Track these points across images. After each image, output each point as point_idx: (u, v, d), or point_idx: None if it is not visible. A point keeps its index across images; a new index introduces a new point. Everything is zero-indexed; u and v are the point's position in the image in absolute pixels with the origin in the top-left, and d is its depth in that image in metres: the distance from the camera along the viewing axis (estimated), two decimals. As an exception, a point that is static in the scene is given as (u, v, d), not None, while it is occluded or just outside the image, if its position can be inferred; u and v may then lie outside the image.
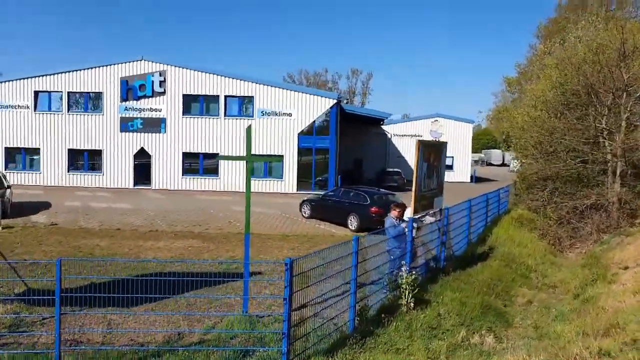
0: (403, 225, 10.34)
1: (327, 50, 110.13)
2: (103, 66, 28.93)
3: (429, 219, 12.43)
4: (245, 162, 8.15)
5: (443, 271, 11.85)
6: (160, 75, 28.57)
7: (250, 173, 8.20)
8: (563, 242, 18.40)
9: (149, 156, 29.14)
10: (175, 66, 28.72)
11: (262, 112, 28.45)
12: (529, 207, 20.81)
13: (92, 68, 28.99)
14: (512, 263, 13.95)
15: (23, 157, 29.82)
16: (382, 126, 47.78)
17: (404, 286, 9.01)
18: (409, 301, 9.04)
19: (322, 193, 20.76)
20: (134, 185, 29.15)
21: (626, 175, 18.47)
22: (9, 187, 20.16)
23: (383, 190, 20.18)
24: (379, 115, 38.76)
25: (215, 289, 9.76)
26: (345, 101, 75.64)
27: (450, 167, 46.88)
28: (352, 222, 17.78)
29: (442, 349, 7.99)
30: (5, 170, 29.59)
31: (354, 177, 42.54)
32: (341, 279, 8.46)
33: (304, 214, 20.58)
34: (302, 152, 29.17)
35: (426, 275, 11.37)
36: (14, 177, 29.62)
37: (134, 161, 29.21)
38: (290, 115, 28.36)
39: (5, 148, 29.50)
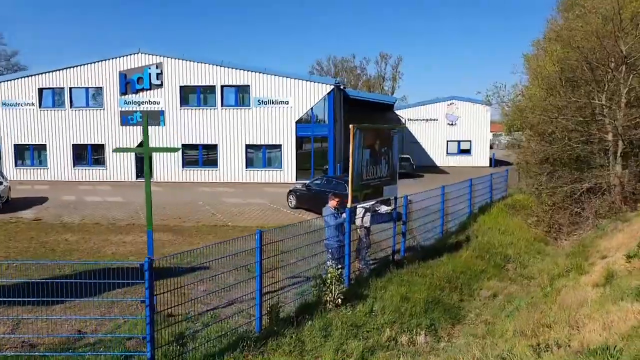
0: (344, 215, 9.75)
1: (356, 36, 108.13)
2: (102, 61, 29.11)
3: (384, 209, 11.77)
4: (150, 153, 7.73)
5: (398, 264, 11.18)
6: (157, 67, 28.53)
7: (148, 165, 7.79)
8: (562, 229, 17.31)
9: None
10: (171, 58, 28.61)
11: (258, 101, 28.03)
12: (524, 192, 19.70)
13: (91, 63, 29.23)
14: (487, 253, 13.12)
15: (31, 153, 30.50)
16: (396, 111, 46.64)
17: (328, 281, 8.44)
18: (335, 297, 8.47)
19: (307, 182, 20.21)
20: (136, 178, 29.39)
21: (628, 157, 17.13)
22: (1, 183, 20.50)
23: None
24: (385, 100, 37.75)
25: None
26: (369, 88, 74.59)
27: (467, 152, 45.45)
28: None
29: (357, 350, 7.43)
30: (15, 166, 30.43)
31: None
32: (248, 275, 8.00)
33: (290, 204, 20.14)
34: (302, 140, 28.68)
35: (373, 269, 10.76)
36: (23, 173, 30.41)
37: (136, 154, 29.39)
38: (287, 103, 27.83)
39: (15, 145, 30.23)
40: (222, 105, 28.44)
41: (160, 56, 28.66)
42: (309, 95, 27.78)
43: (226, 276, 7.89)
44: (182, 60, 28.55)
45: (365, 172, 9.96)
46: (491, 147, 49.93)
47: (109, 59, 29.04)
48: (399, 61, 78.37)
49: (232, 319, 7.86)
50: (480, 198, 18.56)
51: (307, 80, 27.73)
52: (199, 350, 6.75)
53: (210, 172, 28.87)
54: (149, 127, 28.52)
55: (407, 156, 36.63)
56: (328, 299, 8.43)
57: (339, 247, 9.61)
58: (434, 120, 45.92)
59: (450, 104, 45.56)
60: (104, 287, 8.90)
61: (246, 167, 28.07)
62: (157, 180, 29.20)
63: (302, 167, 28.38)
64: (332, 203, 9.87)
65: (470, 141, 45.36)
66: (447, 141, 45.94)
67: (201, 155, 29.10)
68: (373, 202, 11.00)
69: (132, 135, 29.29)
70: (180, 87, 28.63)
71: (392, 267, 10.76)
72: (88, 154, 29.92)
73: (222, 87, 28.34)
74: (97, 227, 16.71)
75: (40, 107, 29.84)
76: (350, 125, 9.49)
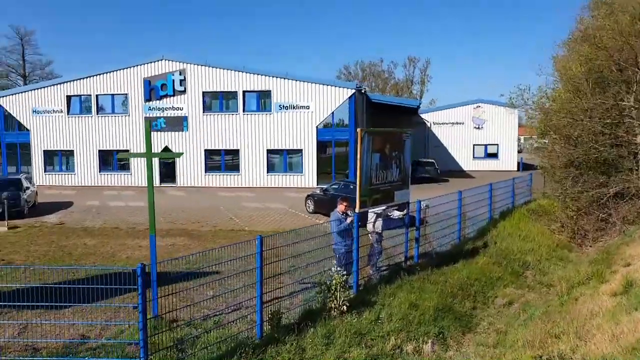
0: (349, 220, 9.59)
1: (383, 40, 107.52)
2: (127, 68, 29.72)
3: (397, 214, 11.55)
4: (151, 159, 7.75)
5: (410, 270, 10.93)
6: (180, 73, 28.95)
7: (150, 170, 7.82)
8: (588, 235, 16.68)
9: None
10: (193, 64, 28.98)
11: (279, 106, 28.10)
12: (549, 197, 19.06)
13: (117, 70, 29.87)
14: (505, 260, 12.71)
15: (59, 159, 31.34)
16: (421, 114, 46.11)
17: (333, 287, 8.28)
18: (340, 304, 8.30)
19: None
20: (160, 184, 29.80)
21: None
22: (27, 188, 21.08)
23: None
24: (408, 104, 37.34)
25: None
26: (397, 92, 74.05)
27: (495, 155, 44.50)
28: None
29: (359, 359, 7.25)
30: (44, 172, 31.32)
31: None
32: (248, 280, 7.90)
33: (308, 209, 20.04)
34: (325, 145, 28.59)
35: (383, 276, 10.53)
36: (52, 179, 31.26)
37: (159, 160, 29.83)
38: (308, 108, 27.81)
39: (44, 151, 31.12)
40: (243, 111, 28.63)
41: (183, 62, 29.08)
42: (330, 100, 27.70)
43: (231, 281, 7.84)
44: (205, 66, 28.89)
45: (374, 176, 9.79)
46: (520, 151, 48.88)
47: (133, 66, 29.63)
48: (427, 64, 77.73)
49: (235, 324, 7.79)
50: (502, 203, 18.07)
51: (328, 85, 27.66)
52: (197, 356, 6.70)
53: (233, 177, 29.06)
54: (173, 133, 29.17)
55: (432, 160, 36.15)
56: (333, 305, 8.27)
57: (346, 252, 9.44)
58: (460, 123, 45.20)
59: (477, 107, 44.75)
60: (112, 292, 8.95)
61: (267, 172, 28.14)
62: (181, 185, 29.58)
63: (323, 172, 28.28)
64: (340, 208, 9.73)
65: (497, 145, 44.41)
66: (474, 145, 45.13)
67: (223, 160, 29.33)
68: (385, 207, 10.80)
69: (157, 141, 29.71)
70: (203, 92, 28.96)
71: (402, 273, 10.52)
72: (114, 160, 30.56)
73: (243, 92, 28.54)
74: (116, 231, 16.96)
75: (68, 114, 30.65)
76: (358, 129, 9.34)
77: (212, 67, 28.77)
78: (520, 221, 16.34)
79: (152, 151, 8.49)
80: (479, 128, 44.46)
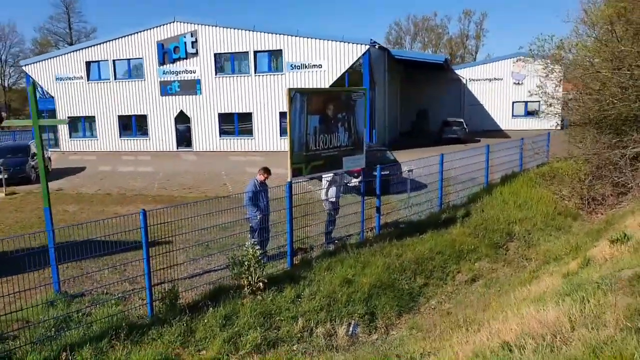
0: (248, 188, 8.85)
1: None
2: (140, 31, 29.44)
3: (354, 181, 10.64)
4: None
5: (365, 242, 10.08)
6: (191, 35, 28.37)
7: (40, 137, 7.32)
8: (604, 201, 15.05)
9: (188, 119, 29.52)
10: (205, 25, 28.26)
11: (291, 66, 27.04)
12: (566, 159, 17.26)
13: (131, 35, 29.68)
14: (485, 230, 11.62)
15: (83, 125, 32.01)
16: (457, 70, 43.50)
17: (246, 263, 7.63)
18: (255, 281, 7.65)
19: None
20: (177, 148, 29.88)
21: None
22: (34, 155, 21.50)
23: (376, 146, 18.00)
24: (432, 59, 35.11)
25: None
26: (459, 49, 70.51)
27: (535, 113, 41.41)
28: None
29: (252, 342, 6.64)
30: (69, 138, 32.17)
31: (415, 130, 39.61)
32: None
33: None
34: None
35: (329, 248, 9.74)
36: (77, 144, 32.09)
37: (175, 124, 29.81)
38: (320, 67, 26.59)
39: (68, 117, 31.82)
40: (255, 72, 27.82)
41: (194, 24, 28.43)
42: (343, 58, 26.32)
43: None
44: (215, 27, 28.12)
45: (312, 141, 8.87)
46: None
47: (147, 30, 29.31)
48: (483, 17, 73.35)
49: (131, 302, 7.36)
50: (509, 165, 16.59)
51: (340, 42, 26.18)
52: (73, 335, 6.28)
53: (246, 141, 28.63)
54: (187, 97, 28.92)
55: (460, 120, 34.13)
56: (245, 283, 7.63)
57: (261, 226, 8.73)
58: (499, 79, 42.30)
59: (517, 60, 41.48)
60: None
61: (280, 136, 27.41)
62: (197, 149, 29.52)
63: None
64: (260, 177, 8.99)
65: (539, 102, 41.22)
66: (513, 102, 42.23)
67: (237, 123, 28.87)
68: (339, 174, 9.94)
69: (172, 105, 29.67)
70: (215, 54, 28.32)
71: (352, 245, 9.70)
72: (132, 125, 30.83)
73: (255, 52, 27.64)
74: (107, 197, 16.97)
75: (88, 80, 31.00)
76: (287, 88, 8.41)
77: (223, 27, 27.94)
78: (522, 186, 14.90)
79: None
80: (518, 84, 41.42)
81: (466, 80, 43.02)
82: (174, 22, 28.74)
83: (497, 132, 38.89)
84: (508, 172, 16.25)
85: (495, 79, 42.42)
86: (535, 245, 11.53)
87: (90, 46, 31.22)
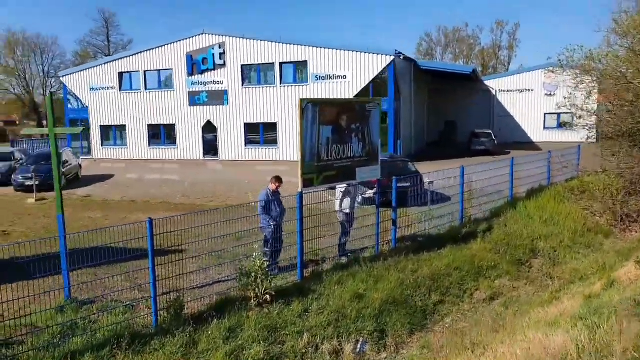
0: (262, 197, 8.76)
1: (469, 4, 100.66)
2: (170, 43, 30.08)
3: (369, 192, 10.46)
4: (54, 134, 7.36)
5: (379, 256, 9.86)
6: (220, 47, 28.80)
7: (55, 146, 7.42)
8: (635, 219, 14.39)
9: (215, 128, 29.89)
10: (233, 37, 28.65)
11: (316, 77, 27.08)
12: (598, 174, 16.59)
13: (161, 46, 30.35)
14: (507, 246, 11.20)
15: (114, 133, 32.82)
16: (486, 81, 42.74)
17: (253, 274, 7.53)
18: (262, 293, 7.54)
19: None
20: (204, 157, 30.25)
21: None
22: (66, 162, 22.11)
23: (399, 157, 17.72)
24: (459, 70, 34.58)
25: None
26: (489, 60, 69.72)
27: (567, 125, 40.20)
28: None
29: (255, 357, 6.51)
30: (101, 146, 33.01)
31: (443, 141, 39.02)
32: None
33: (327, 184, 19.17)
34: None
35: (340, 261, 9.56)
36: (108, 152, 32.89)
37: (202, 133, 30.22)
38: (344, 77, 26.54)
39: (100, 126, 32.70)
40: (280, 83, 27.99)
41: (222, 36, 28.87)
42: (367, 69, 26.21)
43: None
44: (243, 38, 28.47)
45: (324, 152, 8.77)
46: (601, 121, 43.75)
47: (176, 41, 29.93)
48: (516, 28, 72.13)
49: (138, 311, 7.34)
50: (536, 179, 16.09)
51: (365, 53, 26.09)
52: (77, 342, 6.30)
53: (271, 151, 28.74)
54: (214, 107, 29.30)
55: (488, 132, 33.40)
56: (252, 295, 7.53)
57: (274, 236, 8.63)
58: (529, 90, 41.33)
59: (549, 71, 40.46)
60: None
61: (305, 145, 27.39)
62: (223, 158, 29.81)
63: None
64: (271, 186, 8.90)
65: (572, 113, 40.05)
66: (545, 114, 41.15)
67: (262, 133, 29.04)
68: (354, 185, 9.79)
69: (200, 115, 30.12)
70: (242, 66, 28.65)
71: (366, 259, 9.49)
72: (161, 134, 31.41)
73: (280, 64, 27.83)
74: (131, 205, 17.26)
75: (120, 90, 31.82)
76: (299, 99, 8.34)
77: (250, 39, 28.28)
78: (549, 201, 14.38)
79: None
80: (550, 95, 40.35)
81: (496, 91, 42.21)
82: (202, 34, 29.27)
83: (528, 145, 37.95)
84: (535, 185, 15.74)
85: (526, 89, 41.48)
86: (561, 263, 11.06)
87: (123, 57, 32.10)
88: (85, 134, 33.31)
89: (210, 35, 29.11)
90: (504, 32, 72.90)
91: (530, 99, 41.16)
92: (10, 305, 6.82)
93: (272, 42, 27.85)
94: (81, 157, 26.98)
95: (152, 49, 30.76)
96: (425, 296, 8.76)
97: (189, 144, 30.53)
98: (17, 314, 6.79)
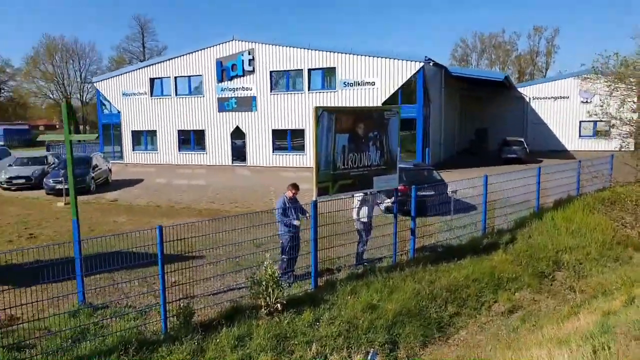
0: (296, 223, 8.71)
1: (506, 10, 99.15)
2: (201, 50, 30.63)
3: (387, 201, 10.32)
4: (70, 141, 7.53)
5: (395, 266, 9.70)
6: (249, 53, 29.13)
7: (71, 152, 7.57)
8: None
9: (243, 134, 30.20)
10: (262, 43, 28.94)
11: (344, 84, 27.05)
12: (632, 184, 15.95)
13: (192, 53, 30.93)
14: (530, 258, 10.84)
15: (145, 138, 33.56)
16: (520, 88, 41.83)
17: (264, 283, 7.51)
18: (273, 302, 7.51)
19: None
20: (232, 163, 30.59)
21: None
22: (96, 167, 22.69)
23: (424, 165, 17.41)
24: (492, 77, 33.88)
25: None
26: (525, 67, 68.31)
27: (602, 133, 38.87)
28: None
29: (260, 367, 6.47)
30: (133, 150, 33.80)
31: (473, 148, 38.32)
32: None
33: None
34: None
35: (355, 271, 9.43)
36: (139, 157, 33.64)
37: (231, 139, 30.58)
38: (373, 84, 26.40)
39: (132, 131, 33.51)
40: (309, 90, 28.08)
41: (252, 42, 29.21)
42: (396, 75, 26.01)
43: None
44: (272, 45, 28.73)
45: (340, 160, 8.68)
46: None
47: (206, 48, 30.44)
48: (555, 33, 70.70)
49: (150, 317, 7.41)
50: (566, 188, 15.57)
51: (394, 59, 25.91)
52: (86, 346, 6.40)
53: (298, 157, 28.82)
54: (243, 113, 29.63)
55: (520, 139, 32.60)
56: (262, 303, 7.50)
57: (291, 243, 8.59)
58: (565, 98, 40.21)
59: (585, 78, 39.24)
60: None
61: (331, 152, 27.37)
62: (250, 164, 30.08)
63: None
64: (288, 193, 8.86)
65: (609, 121, 38.69)
66: (580, 122, 39.92)
67: (290, 140, 29.17)
68: (372, 193, 9.68)
69: (229, 121, 30.50)
70: (270, 72, 28.89)
71: (382, 269, 9.35)
72: (191, 139, 31.95)
73: (309, 70, 27.93)
74: (156, 209, 17.54)
75: (151, 95, 32.57)
76: (314, 106, 8.31)
77: (279, 46, 28.51)
78: (577, 212, 13.86)
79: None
80: (587, 102, 39.08)
81: (529, 98, 41.25)
82: (232, 40, 29.67)
83: (562, 153, 36.87)
84: (564, 195, 15.23)
85: (561, 97, 40.39)
86: (586, 276, 10.62)
87: (154, 64, 32.86)
88: (118, 139, 34.21)
89: (240, 42, 29.48)
90: (542, 38, 71.47)
91: (566, 106, 40.04)
92: (28, 309, 7.03)
93: (300, 48, 27.99)
94: (112, 162, 27.67)
95: (183, 55, 31.38)
96: (441, 308, 8.54)
97: (218, 150, 30.95)
98: (33, 318, 6.99)
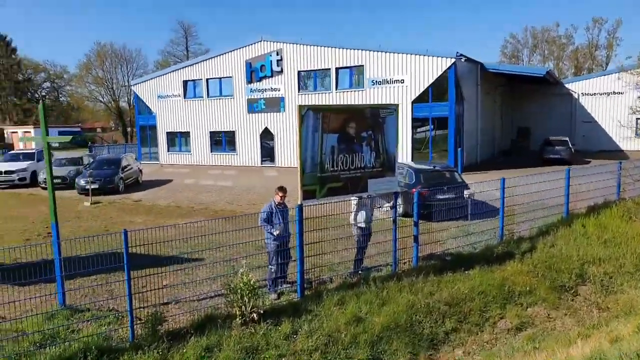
0: (275, 231, 8.24)
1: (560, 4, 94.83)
2: (230, 51, 30.72)
3: (386, 205, 9.68)
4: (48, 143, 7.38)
5: (393, 276, 9.06)
6: (277, 54, 28.94)
7: (49, 154, 7.42)
8: None
9: (272, 135, 30.04)
10: (290, 43, 28.69)
11: (372, 82, 26.34)
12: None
13: (222, 54, 31.09)
14: (549, 270, 9.90)
15: (179, 140, 34.04)
16: (567, 84, 39.55)
17: (239, 291, 7.09)
18: (248, 312, 7.08)
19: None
20: (261, 164, 30.50)
21: None
22: (126, 167, 23.05)
23: (444, 166, 16.44)
24: (531, 72, 32.14)
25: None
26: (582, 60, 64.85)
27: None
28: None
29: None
30: (167, 151, 34.37)
31: (514, 148, 36.55)
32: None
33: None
34: (423, 122, 26.12)
35: (346, 280, 8.84)
36: (174, 158, 34.18)
37: (260, 140, 30.49)
38: (402, 82, 25.56)
39: (167, 132, 34.09)
40: (336, 89, 27.57)
41: (280, 42, 29.01)
42: (426, 72, 25.07)
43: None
44: (300, 44, 28.41)
45: (329, 161, 8.14)
46: None
47: (236, 49, 30.51)
48: (617, 25, 66.26)
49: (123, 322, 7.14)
50: (603, 192, 14.31)
51: (423, 55, 24.97)
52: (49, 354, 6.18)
53: (327, 157, 28.33)
54: (272, 114, 29.47)
55: (564, 139, 30.71)
56: (237, 313, 7.08)
57: (277, 250, 8.11)
58: (618, 93, 37.67)
59: (633, 73, 36.61)
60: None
61: (360, 152, 26.73)
62: (279, 165, 29.90)
63: (417, 151, 25.97)
64: (276, 197, 8.38)
65: (662, 118, 35.96)
66: (637, 119, 37.27)
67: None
68: (371, 197, 9.09)
69: (258, 122, 30.44)
70: (298, 72, 28.59)
71: (378, 278, 8.74)
72: (222, 140, 32.12)
73: (336, 69, 27.43)
74: (175, 210, 17.54)
75: (184, 97, 33.00)
76: (298, 105, 7.82)
77: (306, 45, 28.16)
78: (613, 219, 12.67)
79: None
80: (644, 98, 36.47)
81: (578, 94, 38.95)
82: (261, 41, 29.59)
83: (615, 153, 34.53)
84: (599, 200, 13.99)
85: (614, 92, 37.86)
86: (616, 292, 9.57)
87: (187, 66, 33.28)
88: (153, 140, 34.87)
89: (268, 42, 29.35)
90: (602, 30, 67.27)
91: (620, 102, 37.52)
92: (12, 308, 6.96)
93: (328, 47, 27.54)
94: (148, 163, 28.14)
95: (214, 57, 31.61)
96: (436, 322, 7.85)
97: (248, 151, 30.95)
98: (15, 317, 6.89)
